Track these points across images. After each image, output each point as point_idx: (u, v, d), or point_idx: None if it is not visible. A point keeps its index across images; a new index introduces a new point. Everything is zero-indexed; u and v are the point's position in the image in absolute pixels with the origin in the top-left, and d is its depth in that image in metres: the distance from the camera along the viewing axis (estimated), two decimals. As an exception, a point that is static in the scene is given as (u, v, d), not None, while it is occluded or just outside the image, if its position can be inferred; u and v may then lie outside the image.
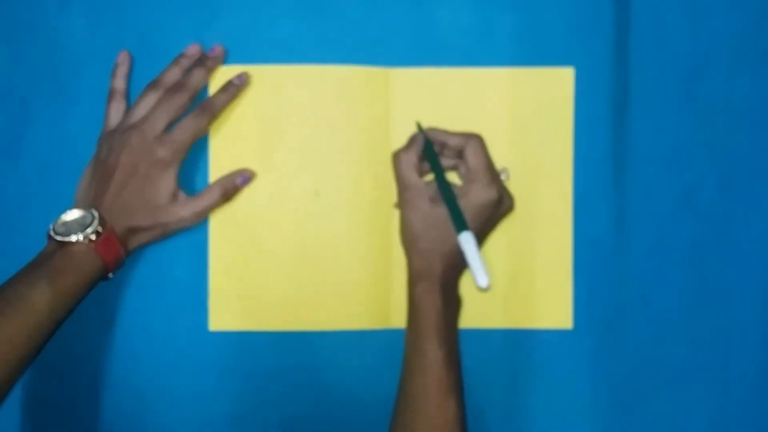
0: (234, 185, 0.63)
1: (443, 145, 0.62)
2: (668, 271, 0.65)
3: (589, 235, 0.65)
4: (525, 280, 0.65)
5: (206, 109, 0.62)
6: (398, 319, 0.64)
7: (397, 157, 0.62)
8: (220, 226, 0.64)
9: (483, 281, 0.57)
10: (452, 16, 0.65)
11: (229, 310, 0.64)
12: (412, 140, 0.63)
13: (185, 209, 0.61)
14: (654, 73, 0.65)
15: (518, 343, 0.64)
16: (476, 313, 0.64)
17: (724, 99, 0.65)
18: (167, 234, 0.62)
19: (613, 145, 0.65)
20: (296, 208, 0.64)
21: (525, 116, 0.64)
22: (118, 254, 0.59)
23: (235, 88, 0.64)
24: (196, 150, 0.64)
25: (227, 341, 0.64)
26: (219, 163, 0.64)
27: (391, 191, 0.64)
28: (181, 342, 0.64)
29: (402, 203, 0.62)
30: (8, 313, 0.53)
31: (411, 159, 0.61)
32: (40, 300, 0.54)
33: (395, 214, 0.64)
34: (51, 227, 0.57)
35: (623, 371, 0.64)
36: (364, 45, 0.65)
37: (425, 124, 0.64)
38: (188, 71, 0.64)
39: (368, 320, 0.64)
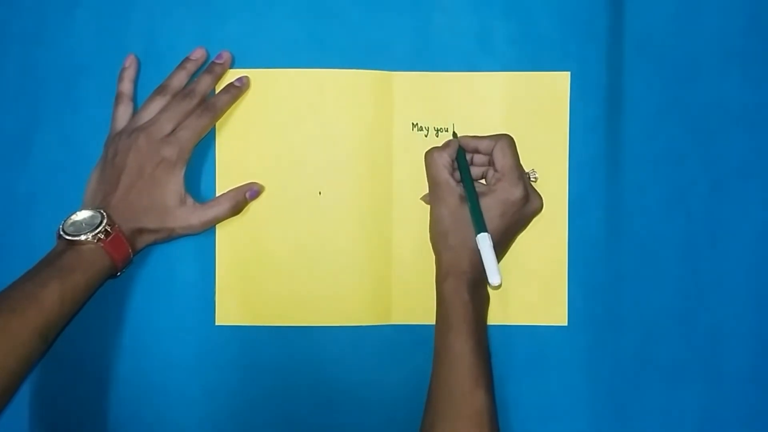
0: (244, 198, 0.64)
1: (475, 150, 0.63)
2: (661, 270, 0.65)
3: (584, 235, 0.65)
4: (521, 278, 0.65)
5: (209, 109, 0.63)
6: (398, 316, 0.65)
7: (430, 155, 0.62)
8: (227, 225, 0.65)
9: (495, 279, 0.57)
10: (452, 23, 0.65)
11: (235, 305, 0.65)
12: (447, 143, 0.63)
13: (194, 216, 0.62)
14: (647, 77, 0.65)
15: (514, 339, 0.65)
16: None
17: (715, 102, 0.65)
18: (174, 237, 0.63)
19: (607, 148, 0.65)
20: (300, 207, 0.65)
21: (522, 119, 0.65)
22: (126, 253, 0.60)
23: (236, 90, 0.64)
24: (204, 153, 0.65)
25: (233, 336, 0.65)
26: (226, 165, 0.65)
27: (391, 191, 0.65)
28: (189, 336, 0.65)
29: (433, 200, 0.62)
30: (19, 311, 0.54)
31: (444, 158, 0.62)
32: (50, 298, 0.56)
33: (396, 214, 0.65)
34: (60, 227, 0.59)
35: (617, 367, 0.65)
36: (366, 50, 0.65)
37: (426, 127, 0.65)
38: (196, 76, 0.65)
39: (369, 316, 0.65)
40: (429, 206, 0.63)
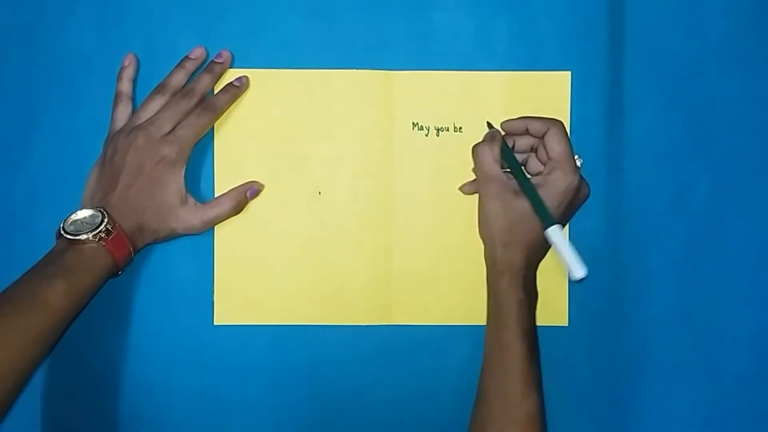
0: (245, 197, 0.64)
1: (524, 132, 0.62)
2: (661, 270, 0.65)
3: (584, 235, 0.65)
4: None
5: (208, 108, 0.63)
6: (398, 316, 0.65)
7: (481, 149, 0.61)
8: (226, 224, 0.65)
9: (579, 273, 0.56)
10: (452, 23, 0.65)
11: (233, 305, 0.65)
12: (491, 136, 0.62)
13: (195, 217, 0.62)
14: (647, 77, 0.65)
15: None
16: (475, 310, 0.64)
17: (715, 102, 0.66)
18: (174, 237, 0.63)
19: (607, 147, 0.65)
20: (299, 207, 0.65)
21: (522, 119, 0.65)
22: (127, 252, 0.60)
23: (236, 89, 0.64)
24: (202, 153, 0.65)
25: (232, 335, 0.65)
26: (225, 165, 0.65)
27: (391, 191, 0.65)
28: (187, 335, 0.65)
29: (485, 196, 0.61)
30: (24, 311, 0.54)
31: (494, 152, 0.60)
32: (54, 298, 0.55)
33: (396, 214, 0.65)
34: (61, 226, 0.58)
35: (617, 368, 0.65)
36: (366, 50, 0.65)
37: (426, 126, 0.65)
38: (195, 75, 0.65)
39: (369, 316, 0.65)
40: (430, 205, 0.63)
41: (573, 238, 0.65)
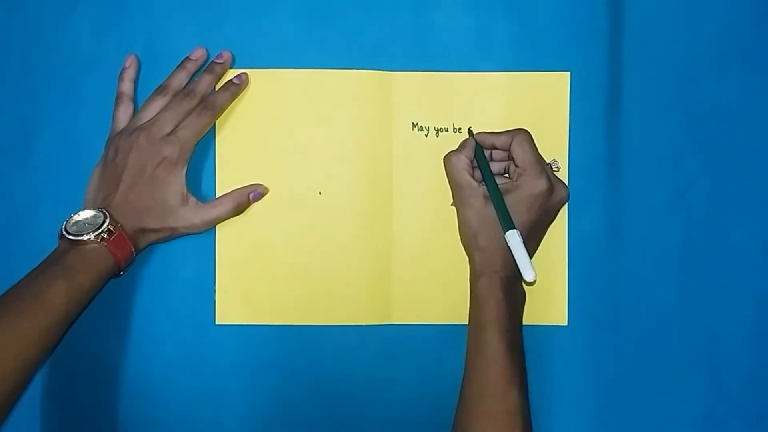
0: (246, 199, 0.64)
1: (492, 147, 0.63)
2: (661, 269, 0.65)
3: (584, 234, 0.65)
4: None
5: (208, 107, 0.63)
6: (398, 316, 0.65)
7: (448, 159, 0.62)
8: (227, 224, 0.65)
9: (529, 275, 0.57)
10: (452, 23, 0.65)
11: (235, 305, 0.65)
12: (463, 144, 0.63)
13: (196, 216, 0.62)
14: (646, 77, 0.65)
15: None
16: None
17: (714, 102, 0.65)
18: (175, 236, 0.63)
19: (606, 147, 0.65)
20: (300, 207, 0.65)
21: (522, 119, 0.65)
22: (129, 252, 0.60)
23: (235, 87, 0.64)
24: (204, 153, 0.65)
25: (233, 335, 0.65)
26: (226, 165, 0.65)
27: (391, 191, 0.65)
28: (189, 335, 0.65)
29: (458, 203, 0.62)
30: (26, 311, 0.55)
31: (462, 161, 0.62)
32: (56, 298, 0.56)
33: (396, 214, 0.65)
34: (63, 227, 0.59)
35: (617, 367, 0.65)
36: (366, 50, 0.65)
37: (426, 127, 0.65)
38: (196, 76, 0.65)
39: (369, 316, 0.65)
40: (430, 206, 0.63)
41: (573, 238, 0.65)
